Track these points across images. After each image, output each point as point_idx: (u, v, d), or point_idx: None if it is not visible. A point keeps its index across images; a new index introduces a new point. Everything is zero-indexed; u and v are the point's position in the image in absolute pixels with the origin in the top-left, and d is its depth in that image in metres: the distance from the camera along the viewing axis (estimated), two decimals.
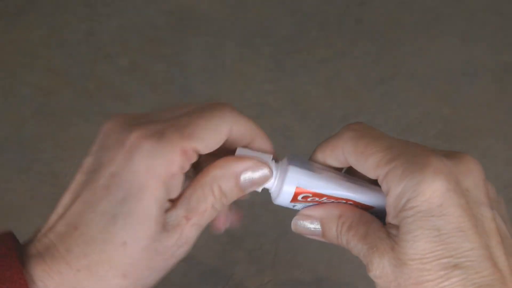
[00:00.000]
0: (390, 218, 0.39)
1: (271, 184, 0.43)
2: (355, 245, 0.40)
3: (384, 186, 0.39)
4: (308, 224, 0.43)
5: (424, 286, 0.35)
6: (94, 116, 1.20)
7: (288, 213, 1.20)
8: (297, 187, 0.41)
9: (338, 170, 0.43)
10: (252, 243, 1.09)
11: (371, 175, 0.39)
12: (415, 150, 0.39)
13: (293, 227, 0.43)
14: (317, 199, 0.41)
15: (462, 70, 1.26)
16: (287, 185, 0.42)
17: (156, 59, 1.27)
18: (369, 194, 0.41)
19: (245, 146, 0.42)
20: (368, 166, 0.39)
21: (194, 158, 0.39)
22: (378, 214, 0.41)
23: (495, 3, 1.34)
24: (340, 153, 0.41)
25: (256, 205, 1.12)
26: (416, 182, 0.36)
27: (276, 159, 0.44)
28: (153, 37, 1.30)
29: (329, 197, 0.41)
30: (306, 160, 0.43)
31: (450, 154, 0.39)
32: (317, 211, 0.43)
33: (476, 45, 1.29)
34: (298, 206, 0.43)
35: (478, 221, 0.37)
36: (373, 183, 0.42)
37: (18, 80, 1.24)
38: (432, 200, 0.36)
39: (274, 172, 0.43)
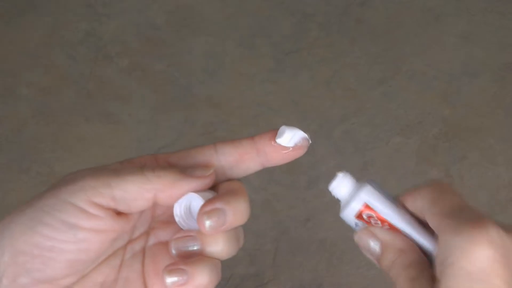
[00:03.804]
0: (436, 272, 0.38)
1: (344, 196, 0.44)
2: (400, 284, 0.39)
3: (439, 238, 0.38)
4: (371, 242, 0.42)
5: None
6: (94, 116, 1.20)
7: (288, 213, 1.20)
8: (365, 203, 0.43)
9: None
10: (252, 243, 1.09)
11: (434, 225, 0.39)
12: (479, 215, 0.38)
13: (356, 237, 0.43)
14: (379, 223, 0.42)
15: (462, 70, 1.26)
16: (356, 199, 0.43)
17: (156, 59, 1.27)
18: (429, 240, 0.42)
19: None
20: (434, 213, 0.39)
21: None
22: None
23: (495, 3, 1.34)
24: (419, 198, 0.42)
25: (256, 205, 1.12)
26: (465, 241, 0.36)
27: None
28: (153, 37, 1.30)
29: (391, 226, 0.43)
30: (385, 191, 0.44)
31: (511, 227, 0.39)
32: (384, 235, 0.42)
33: (476, 45, 1.29)
34: (360, 225, 0.44)
35: None
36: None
37: (18, 80, 1.24)
38: (478, 264, 0.35)
39: (350, 186, 0.44)
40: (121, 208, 0.37)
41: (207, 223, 0.37)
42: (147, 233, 0.41)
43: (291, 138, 0.40)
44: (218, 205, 0.37)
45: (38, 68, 1.25)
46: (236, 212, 0.38)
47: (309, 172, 1.13)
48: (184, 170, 0.38)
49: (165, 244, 0.40)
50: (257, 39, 1.30)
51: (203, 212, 0.37)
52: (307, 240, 1.09)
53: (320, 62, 1.27)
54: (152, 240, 0.41)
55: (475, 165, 1.16)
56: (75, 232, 0.36)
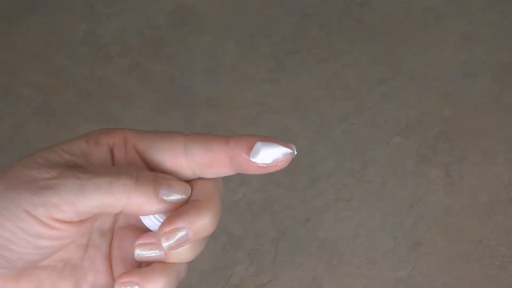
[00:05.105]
0: None
1: None
2: None
3: None
4: None
5: None
6: (94, 116, 1.20)
7: (288, 213, 1.20)
8: None
9: None
10: (252, 243, 1.10)
11: None
12: None
13: None
14: None
15: (462, 70, 1.26)
16: None
17: (156, 59, 1.27)
18: None
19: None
20: None
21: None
22: None
23: (495, 3, 1.34)
24: None
25: (256, 205, 1.12)
26: None
27: None
28: (153, 37, 1.30)
29: None
30: None
31: None
32: None
33: (476, 45, 1.29)
34: None
35: None
36: None
37: (18, 80, 1.24)
38: None
39: None
40: (85, 218, 0.36)
41: (165, 244, 0.35)
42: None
43: (268, 156, 0.36)
44: (179, 224, 0.35)
45: (38, 68, 1.25)
46: (200, 229, 0.36)
47: (309, 172, 1.13)
48: (158, 189, 0.36)
49: (134, 229, 0.39)
50: (257, 39, 1.30)
51: (162, 233, 0.35)
52: (307, 240, 1.09)
53: (320, 62, 1.27)
54: (121, 220, 0.40)
55: (475, 165, 1.16)
56: (36, 241, 0.35)
